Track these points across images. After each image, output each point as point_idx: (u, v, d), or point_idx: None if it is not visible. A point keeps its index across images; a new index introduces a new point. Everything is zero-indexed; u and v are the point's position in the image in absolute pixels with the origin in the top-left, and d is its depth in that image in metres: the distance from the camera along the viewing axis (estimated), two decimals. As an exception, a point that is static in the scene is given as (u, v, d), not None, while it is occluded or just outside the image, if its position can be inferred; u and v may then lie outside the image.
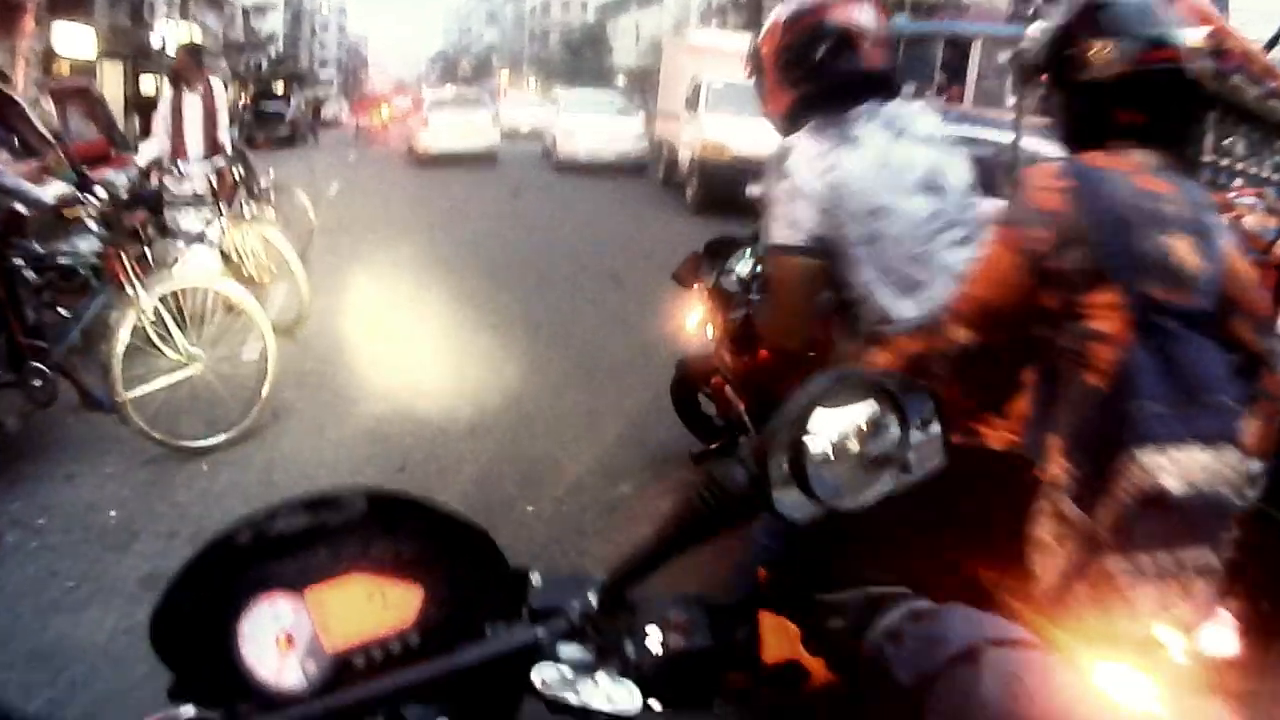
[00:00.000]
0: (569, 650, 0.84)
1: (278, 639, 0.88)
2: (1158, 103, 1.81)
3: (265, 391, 4.94)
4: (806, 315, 2.35)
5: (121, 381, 4.48)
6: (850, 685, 0.83)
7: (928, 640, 0.74)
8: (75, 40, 22.46)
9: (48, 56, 19.91)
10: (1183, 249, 1.70)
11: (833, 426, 0.78)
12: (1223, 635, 1.74)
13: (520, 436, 5.13)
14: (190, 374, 4.79)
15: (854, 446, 0.80)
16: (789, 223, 2.25)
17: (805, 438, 0.75)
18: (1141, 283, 1.68)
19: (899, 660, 0.75)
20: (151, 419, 4.64)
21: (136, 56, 27.59)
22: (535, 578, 0.93)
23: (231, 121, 8.59)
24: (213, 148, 7.22)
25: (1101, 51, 1.78)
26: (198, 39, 33.55)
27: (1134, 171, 1.75)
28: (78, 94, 10.70)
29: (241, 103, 32.75)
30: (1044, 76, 1.96)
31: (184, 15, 34.90)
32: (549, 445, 5.02)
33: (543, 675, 0.81)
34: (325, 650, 0.89)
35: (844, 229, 2.22)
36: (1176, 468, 1.62)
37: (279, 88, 39.37)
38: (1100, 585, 1.65)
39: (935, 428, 0.84)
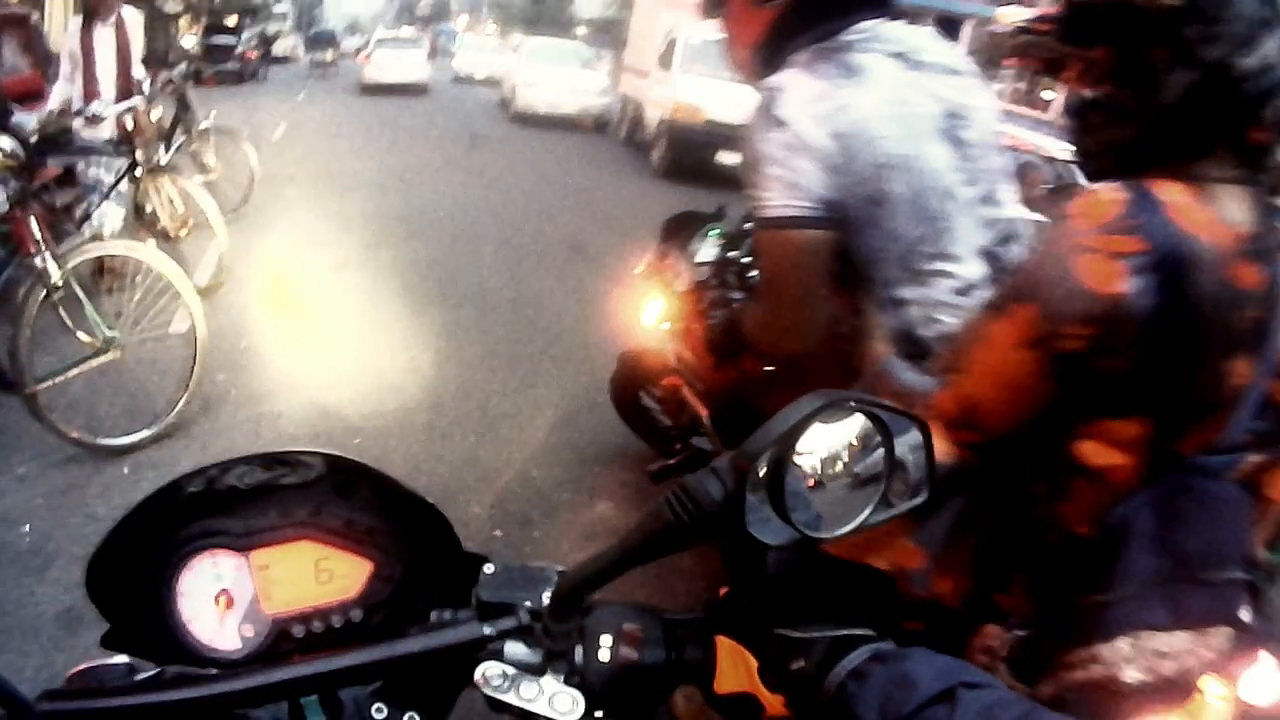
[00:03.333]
0: (515, 649, 0.81)
1: (217, 598, 0.88)
2: None
3: (193, 379, 4.41)
4: (816, 307, 1.80)
5: (32, 368, 3.94)
6: None
7: (896, 682, 0.72)
8: (27, -33, 21.41)
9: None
10: (1240, 371, 1.31)
11: (823, 442, 0.75)
12: (1266, 682, 1.51)
13: (484, 442, 4.66)
14: (107, 359, 4.27)
15: (844, 458, 0.76)
16: (787, 185, 1.70)
17: (791, 459, 0.71)
18: (1179, 419, 1.30)
19: (864, 701, 0.73)
20: (66, 412, 4.12)
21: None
22: (488, 566, 0.87)
23: (181, 57, 7.96)
24: (126, 89, 6.42)
25: (1240, 37, 1.25)
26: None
27: (1231, 250, 1.25)
28: (15, 23, 9.96)
29: (193, 36, 31.86)
30: (1095, 58, 1.38)
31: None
32: (518, 454, 4.56)
33: (486, 672, 0.79)
34: (265, 614, 0.89)
35: (852, 190, 1.71)
36: (1143, 658, 1.30)
37: (230, 21, 38.16)
38: None
39: (922, 460, 0.79)
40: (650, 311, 3.48)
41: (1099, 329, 1.24)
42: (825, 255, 1.75)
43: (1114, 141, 1.38)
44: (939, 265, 1.76)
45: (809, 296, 1.78)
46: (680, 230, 3.27)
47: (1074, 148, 1.50)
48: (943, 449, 1.48)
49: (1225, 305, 1.25)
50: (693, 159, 13.82)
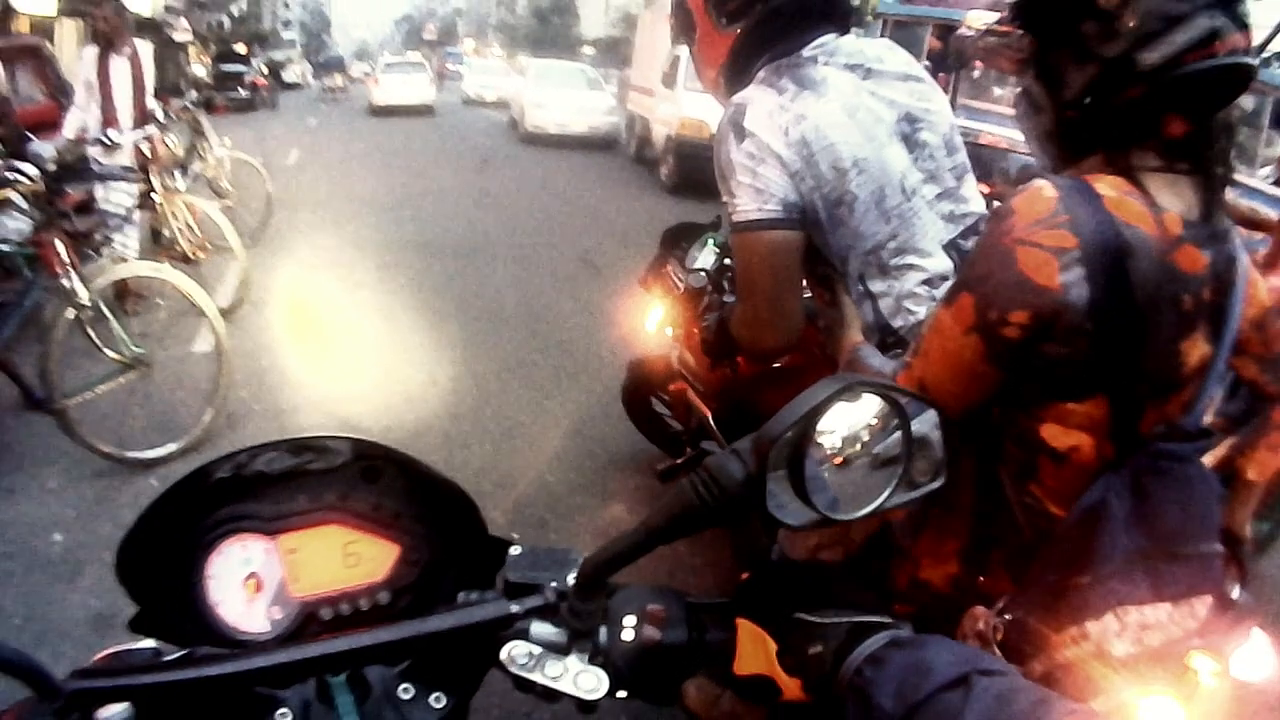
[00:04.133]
0: (541, 629, 0.82)
1: (245, 581, 0.89)
2: (1210, 107, 1.34)
3: (218, 395, 4.52)
4: (790, 302, 1.92)
5: (61, 386, 4.07)
6: (825, 709, 0.80)
7: (913, 667, 0.72)
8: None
9: (5, 13, 19.16)
10: (1197, 350, 1.35)
11: (842, 425, 0.76)
12: (1258, 658, 1.57)
13: (502, 450, 4.76)
14: (134, 377, 4.38)
15: (863, 441, 0.77)
16: (755, 192, 1.83)
17: (811, 442, 0.72)
18: (1136, 400, 1.34)
19: (881, 686, 0.73)
20: (96, 427, 4.23)
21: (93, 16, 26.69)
22: (514, 549, 0.89)
23: (192, 85, 8.11)
24: (141, 117, 6.61)
25: (1141, 32, 1.27)
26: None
27: (1168, 240, 1.29)
28: (27, 53, 10.09)
29: (203, 65, 32.13)
30: (1030, 54, 1.42)
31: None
32: (534, 461, 4.64)
33: (512, 651, 0.80)
34: (293, 597, 0.89)
35: (815, 192, 1.84)
36: (1129, 632, 1.34)
37: (240, 49, 38.48)
38: None
39: (938, 442, 0.82)
40: (653, 319, 3.56)
41: (1036, 318, 1.29)
42: (795, 254, 1.89)
43: (1040, 132, 1.45)
44: (907, 259, 1.88)
45: (782, 293, 1.91)
46: (679, 240, 3.34)
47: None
48: None
49: (1169, 290, 1.30)
50: (700, 173, 13.82)
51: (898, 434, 0.77)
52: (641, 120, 17.90)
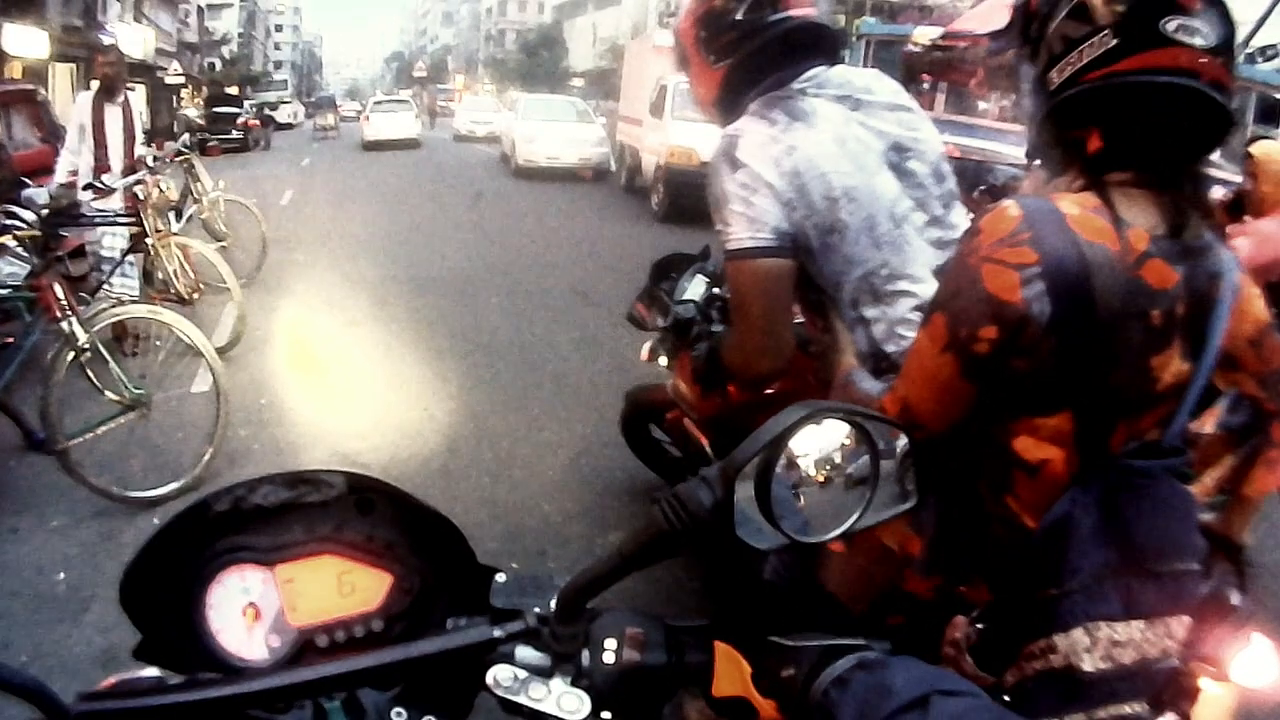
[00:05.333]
0: (525, 653, 0.84)
1: (244, 610, 0.91)
2: (1172, 124, 1.33)
3: (218, 435, 4.55)
4: (782, 328, 1.98)
5: (62, 426, 4.11)
6: None
7: (875, 689, 0.74)
8: (27, 41, 21.77)
9: (-1, 57, 19.36)
10: (1171, 367, 1.36)
11: (811, 449, 0.79)
12: (1260, 664, 1.56)
13: (499, 480, 4.80)
14: (134, 417, 4.42)
15: (831, 465, 0.81)
16: (749, 220, 1.89)
17: (777, 467, 0.75)
18: (1104, 415, 1.35)
19: (844, 708, 0.75)
20: (97, 467, 4.28)
21: (90, 59, 26.89)
22: (500, 575, 0.92)
23: (185, 128, 8.22)
24: (131, 165, 6.71)
25: (1097, 45, 1.31)
26: (151, 41, 33.17)
27: (1132, 255, 1.31)
28: (22, 98, 10.18)
29: (196, 107, 32.40)
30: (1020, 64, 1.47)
31: (138, 16, 34.15)
32: (530, 490, 4.69)
33: (497, 675, 0.82)
34: (290, 625, 0.92)
35: (807, 221, 1.91)
36: (1099, 648, 1.33)
37: (232, 91, 38.74)
38: None
39: (908, 465, 0.84)
40: (645, 349, 3.59)
41: (1003, 333, 1.32)
42: (787, 281, 1.94)
43: (1030, 147, 1.54)
44: (899, 285, 1.93)
45: (774, 319, 1.97)
46: (667, 271, 3.36)
47: None
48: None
49: (1135, 305, 1.31)
50: (691, 201, 13.88)
51: (866, 458, 0.81)
52: (631, 150, 18.02)
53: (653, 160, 15.47)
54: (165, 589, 0.90)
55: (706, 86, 2.12)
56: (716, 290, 2.94)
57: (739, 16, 1.99)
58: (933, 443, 1.43)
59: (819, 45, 2.03)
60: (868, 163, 1.94)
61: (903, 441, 0.85)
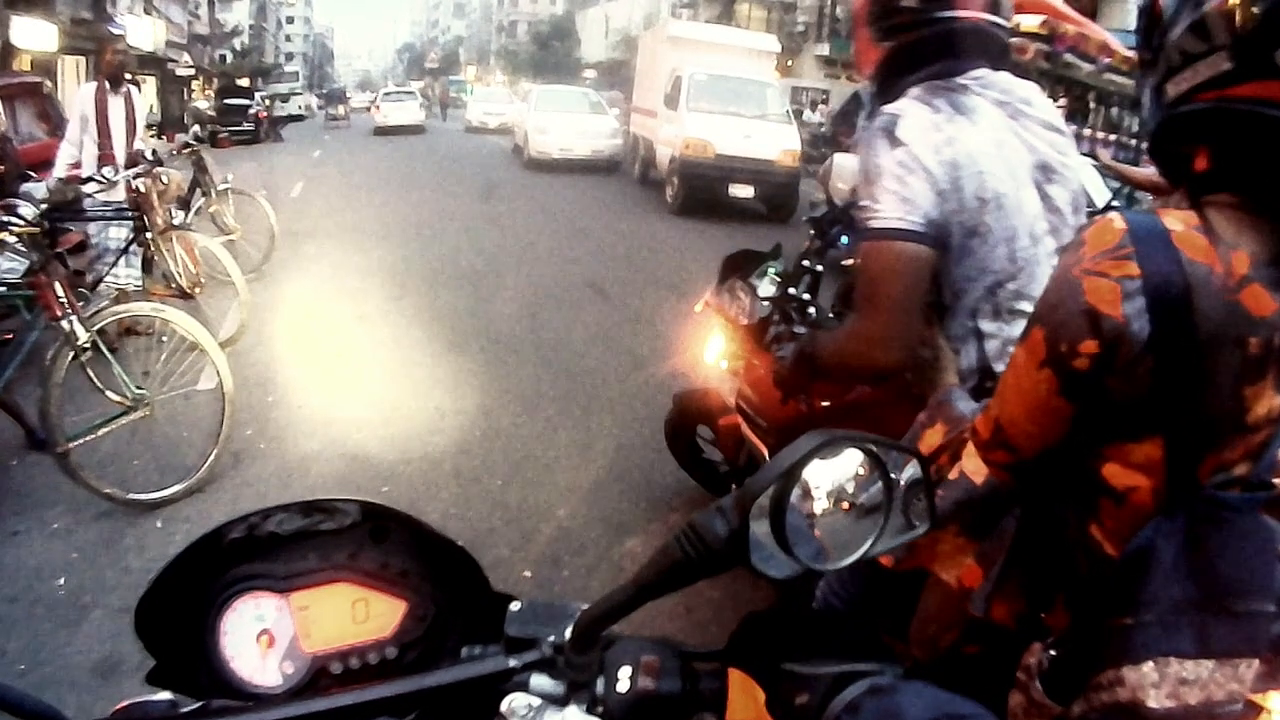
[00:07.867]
0: (540, 681, 0.84)
1: (258, 637, 0.92)
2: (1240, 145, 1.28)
3: (222, 435, 4.44)
4: (913, 319, 1.85)
5: (63, 428, 3.99)
6: None
7: (885, 714, 0.74)
8: (36, 34, 21.75)
9: (6, 50, 19.30)
10: (1265, 399, 1.27)
11: (827, 477, 0.78)
12: None
13: (511, 484, 4.66)
14: (137, 417, 4.30)
15: (847, 492, 0.80)
16: (901, 200, 1.80)
17: (791, 496, 0.74)
18: (1195, 444, 1.28)
19: None
20: (98, 469, 4.17)
21: (99, 52, 26.87)
22: (514, 604, 0.91)
23: (196, 119, 8.13)
24: (132, 157, 6.62)
25: (1213, 65, 1.25)
26: (161, 33, 33.20)
27: (1234, 278, 1.24)
28: (28, 91, 10.10)
29: (207, 99, 32.55)
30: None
31: (148, 8, 34.15)
32: (544, 493, 4.56)
33: (512, 704, 0.82)
34: (304, 652, 0.93)
35: (955, 217, 1.84)
36: (1168, 685, 1.26)
37: (243, 83, 38.78)
38: None
39: (920, 492, 0.83)
40: (711, 350, 3.48)
41: (1103, 348, 1.26)
42: (926, 271, 1.84)
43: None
44: (1021, 305, 1.86)
45: (908, 308, 1.84)
46: (738, 268, 3.25)
47: None
48: (977, 469, 1.51)
49: (1233, 330, 1.24)
50: (706, 193, 13.86)
51: (879, 478, 0.80)
52: (645, 142, 17.96)
53: (667, 152, 15.37)
54: (179, 616, 0.92)
55: (869, 59, 2.08)
56: (791, 291, 2.84)
57: (908, 4, 1.94)
58: (1024, 468, 1.42)
59: (986, 48, 1.97)
60: (1019, 173, 1.89)
61: (915, 468, 0.83)
